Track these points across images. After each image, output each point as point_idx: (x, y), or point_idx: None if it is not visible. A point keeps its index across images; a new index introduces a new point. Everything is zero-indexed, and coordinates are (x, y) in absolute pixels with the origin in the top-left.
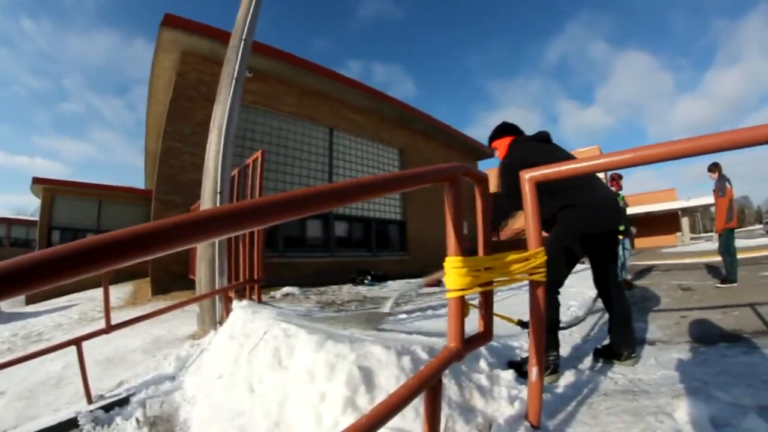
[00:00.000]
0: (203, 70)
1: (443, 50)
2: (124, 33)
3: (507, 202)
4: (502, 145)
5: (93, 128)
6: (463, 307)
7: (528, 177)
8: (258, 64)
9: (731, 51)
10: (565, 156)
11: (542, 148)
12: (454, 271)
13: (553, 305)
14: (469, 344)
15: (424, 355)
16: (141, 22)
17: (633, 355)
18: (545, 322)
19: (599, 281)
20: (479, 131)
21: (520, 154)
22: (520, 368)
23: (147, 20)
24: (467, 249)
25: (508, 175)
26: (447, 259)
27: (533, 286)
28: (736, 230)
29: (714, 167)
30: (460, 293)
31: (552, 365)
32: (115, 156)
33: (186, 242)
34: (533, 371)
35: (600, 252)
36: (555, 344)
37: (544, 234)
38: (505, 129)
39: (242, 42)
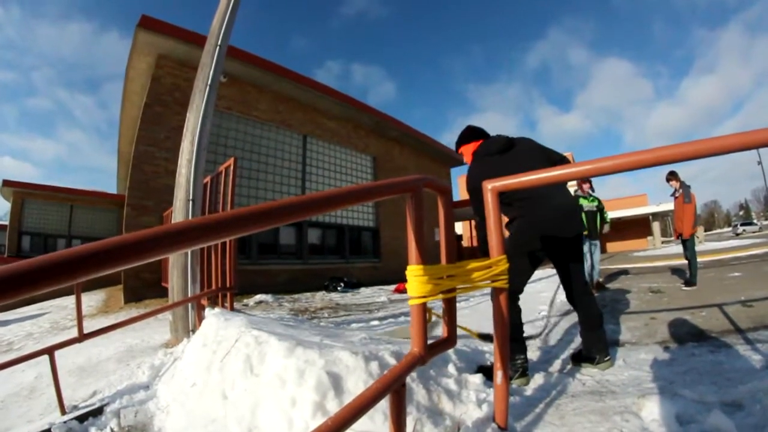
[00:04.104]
0: (178, 75)
1: (425, 52)
2: (98, 24)
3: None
4: (467, 150)
5: (63, 127)
6: (425, 313)
7: (490, 187)
8: (233, 68)
9: (708, 60)
10: (530, 156)
11: (498, 161)
12: (415, 279)
13: (515, 311)
14: (432, 349)
15: (391, 360)
16: (116, 13)
17: (606, 359)
18: (510, 327)
19: (565, 286)
20: (456, 136)
21: (477, 172)
22: (489, 373)
23: (122, 11)
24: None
25: (472, 200)
26: (408, 267)
27: (496, 292)
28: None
29: (672, 176)
30: (422, 300)
31: (520, 369)
32: (86, 158)
33: (160, 253)
34: (498, 375)
35: (558, 258)
36: (521, 348)
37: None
38: (470, 134)
39: (217, 47)
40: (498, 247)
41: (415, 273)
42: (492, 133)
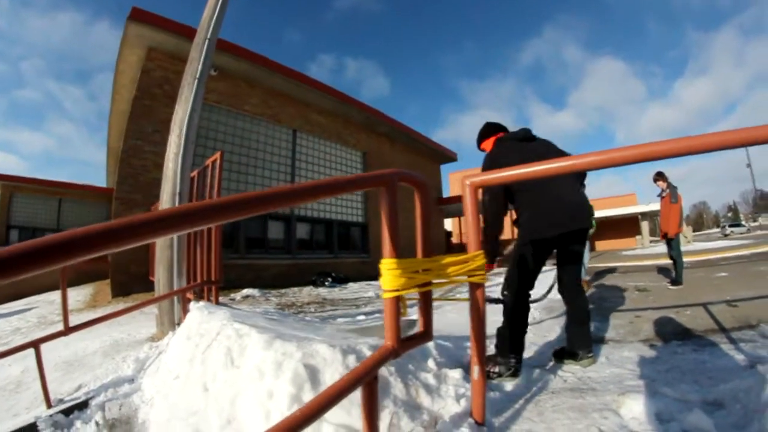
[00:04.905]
0: (168, 68)
1: (419, 48)
2: (89, 14)
3: (494, 206)
4: (488, 145)
5: (52, 119)
6: (398, 306)
7: (469, 182)
8: (223, 62)
9: (702, 61)
10: (547, 152)
11: (520, 147)
12: (389, 272)
13: (523, 309)
14: (406, 343)
15: (369, 354)
16: (107, 2)
17: (589, 355)
18: (512, 324)
19: (560, 278)
20: (449, 133)
21: (499, 153)
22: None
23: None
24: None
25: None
26: (382, 260)
27: (473, 287)
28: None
29: (659, 176)
30: (395, 293)
31: (513, 368)
32: (76, 151)
33: (136, 240)
34: (475, 370)
35: (562, 253)
36: (519, 347)
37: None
38: (488, 130)
39: (207, 41)
40: (475, 242)
41: (388, 266)
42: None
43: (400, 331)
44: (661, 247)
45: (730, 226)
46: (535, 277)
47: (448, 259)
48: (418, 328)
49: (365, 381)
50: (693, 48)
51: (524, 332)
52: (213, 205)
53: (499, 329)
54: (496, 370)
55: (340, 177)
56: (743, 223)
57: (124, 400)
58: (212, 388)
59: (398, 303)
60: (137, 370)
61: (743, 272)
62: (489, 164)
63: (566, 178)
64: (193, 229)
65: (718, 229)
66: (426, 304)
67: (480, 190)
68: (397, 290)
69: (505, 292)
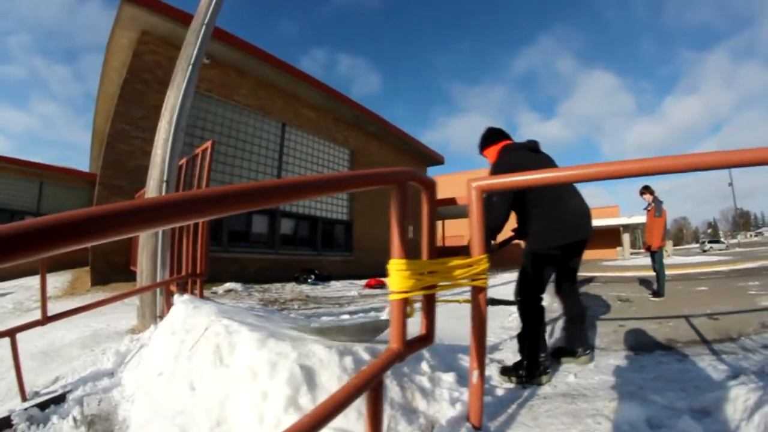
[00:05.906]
0: (161, 53)
1: (413, 46)
2: None
3: (500, 210)
4: (492, 152)
5: (37, 98)
6: (405, 308)
7: (475, 185)
8: (216, 50)
9: (692, 81)
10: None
11: (533, 158)
12: (397, 273)
13: (538, 312)
14: (410, 346)
15: (366, 356)
16: None
17: (587, 352)
18: (533, 327)
19: (559, 285)
20: (437, 136)
21: (511, 162)
22: (511, 373)
23: None
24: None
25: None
26: (390, 261)
27: (475, 291)
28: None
29: (646, 190)
30: (403, 295)
31: (541, 366)
32: (59, 132)
33: (117, 233)
34: (474, 374)
35: (565, 260)
36: (543, 347)
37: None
38: (494, 135)
39: (204, 26)
40: (480, 247)
41: (397, 267)
42: (474, 136)
43: (406, 334)
44: (641, 260)
45: (710, 242)
46: (546, 282)
47: (454, 262)
48: (420, 332)
49: (372, 385)
50: (685, 66)
51: (544, 331)
52: (220, 195)
53: (520, 335)
54: (528, 373)
55: (349, 172)
56: (722, 240)
57: (104, 395)
58: (200, 387)
59: (405, 305)
60: (117, 364)
61: (722, 287)
62: (503, 171)
63: (573, 188)
64: (197, 220)
65: (697, 245)
66: (429, 307)
67: (486, 193)
68: (406, 292)
69: (518, 297)
